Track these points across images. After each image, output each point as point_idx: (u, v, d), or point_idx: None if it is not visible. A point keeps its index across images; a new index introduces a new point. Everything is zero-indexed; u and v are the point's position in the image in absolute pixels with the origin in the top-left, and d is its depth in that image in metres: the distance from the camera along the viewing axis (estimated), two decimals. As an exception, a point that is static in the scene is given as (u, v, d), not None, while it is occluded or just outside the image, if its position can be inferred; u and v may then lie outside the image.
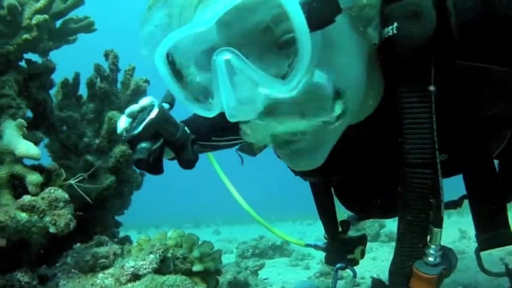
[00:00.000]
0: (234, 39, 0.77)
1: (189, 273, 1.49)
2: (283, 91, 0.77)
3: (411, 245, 1.02)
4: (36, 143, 2.14)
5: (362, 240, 1.58)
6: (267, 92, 0.77)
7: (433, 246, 1.01)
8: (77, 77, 2.41)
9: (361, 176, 1.33)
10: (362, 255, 1.59)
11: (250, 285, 2.49)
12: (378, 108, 1.07)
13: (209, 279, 1.55)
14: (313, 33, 0.73)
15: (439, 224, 0.99)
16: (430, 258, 1.01)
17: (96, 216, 2.30)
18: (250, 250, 4.19)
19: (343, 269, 1.58)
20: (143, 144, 1.06)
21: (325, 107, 0.82)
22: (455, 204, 1.48)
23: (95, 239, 1.72)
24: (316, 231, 6.82)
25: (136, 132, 1.07)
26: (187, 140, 1.14)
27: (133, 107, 1.14)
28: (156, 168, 1.11)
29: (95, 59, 2.32)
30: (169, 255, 1.46)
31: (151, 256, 1.38)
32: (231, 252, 4.83)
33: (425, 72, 0.92)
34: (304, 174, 1.40)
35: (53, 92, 2.31)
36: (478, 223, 1.16)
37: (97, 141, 2.17)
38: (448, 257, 1.05)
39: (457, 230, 4.45)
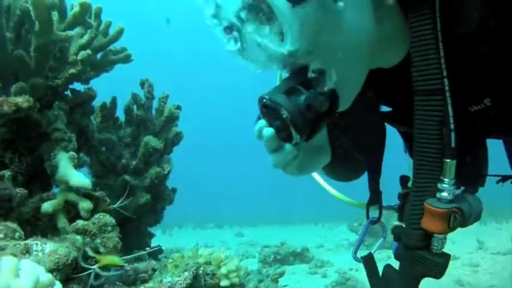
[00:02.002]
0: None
1: (217, 287, 1.72)
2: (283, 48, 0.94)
3: (424, 180, 0.98)
4: (81, 166, 2.41)
5: None
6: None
7: (446, 180, 0.96)
8: (114, 100, 2.66)
9: None
10: None
11: (271, 293, 2.70)
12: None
13: (235, 293, 1.76)
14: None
15: (450, 155, 0.95)
16: (444, 194, 0.96)
17: (132, 229, 2.55)
18: (272, 256, 4.38)
19: (374, 222, 1.52)
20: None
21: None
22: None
23: (134, 252, 1.95)
24: (337, 236, 6.98)
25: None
26: None
27: None
28: None
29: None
30: (200, 272, 1.68)
31: (186, 273, 1.61)
32: (253, 257, 5.03)
33: None
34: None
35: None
36: None
37: (134, 162, 2.41)
38: (466, 200, 1.00)
39: (475, 240, 4.51)
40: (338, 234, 7.37)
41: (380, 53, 1.07)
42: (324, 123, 1.01)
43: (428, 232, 1.00)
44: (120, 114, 2.68)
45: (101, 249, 1.59)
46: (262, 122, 0.97)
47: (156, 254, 2.81)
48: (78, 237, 1.57)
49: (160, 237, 2.95)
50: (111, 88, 2.91)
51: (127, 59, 2.54)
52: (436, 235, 1.00)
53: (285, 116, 0.93)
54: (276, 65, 0.99)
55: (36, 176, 2.08)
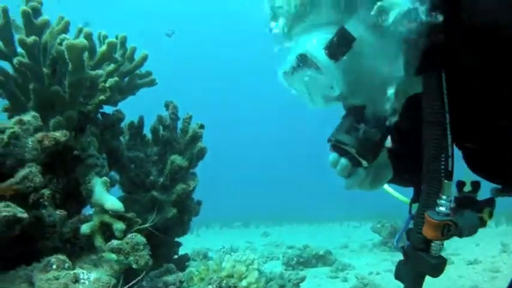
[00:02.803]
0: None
1: (239, 298, 1.88)
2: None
3: (427, 196, 1.16)
4: (113, 185, 2.61)
5: (490, 202, 1.60)
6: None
7: (444, 197, 1.13)
8: (141, 119, 2.85)
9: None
10: (490, 216, 1.58)
11: (293, 298, 2.85)
12: None
13: (255, 303, 1.92)
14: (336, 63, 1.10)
15: (447, 176, 1.13)
16: (441, 208, 1.12)
17: (162, 240, 2.73)
18: (295, 259, 4.52)
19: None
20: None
21: None
22: None
23: (163, 267, 2.13)
24: (362, 237, 7.04)
25: None
26: None
27: None
28: None
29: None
30: (223, 284, 1.85)
31: (210, 287, 1.78)
32: (277, 258, 5.17)
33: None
34: None
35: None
36: None
37: (161, 179, 2.60)
38: (463, 215, 1.19)
39: (499, 243, 4.48)
40: (363, 234, 7.43)
41: (413, 84, 1.24)
42: (383, 146, 1.23)
43: (426, 238, 1.19)
44: (146, 131, 2.87)
45: (134, 266, 1.77)
46: (335, 155, 1.21)
47: (183, 261, 3.00)
48: (114, 255, 1.75)
49: (188, 238, 3.08)
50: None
51: (152, 83, 2.72)
52: (434, 241, 1.18)
53: (350, 150, 1.17)
54: (330, 103, 1.22)
55: (71, 194, 2.29)
